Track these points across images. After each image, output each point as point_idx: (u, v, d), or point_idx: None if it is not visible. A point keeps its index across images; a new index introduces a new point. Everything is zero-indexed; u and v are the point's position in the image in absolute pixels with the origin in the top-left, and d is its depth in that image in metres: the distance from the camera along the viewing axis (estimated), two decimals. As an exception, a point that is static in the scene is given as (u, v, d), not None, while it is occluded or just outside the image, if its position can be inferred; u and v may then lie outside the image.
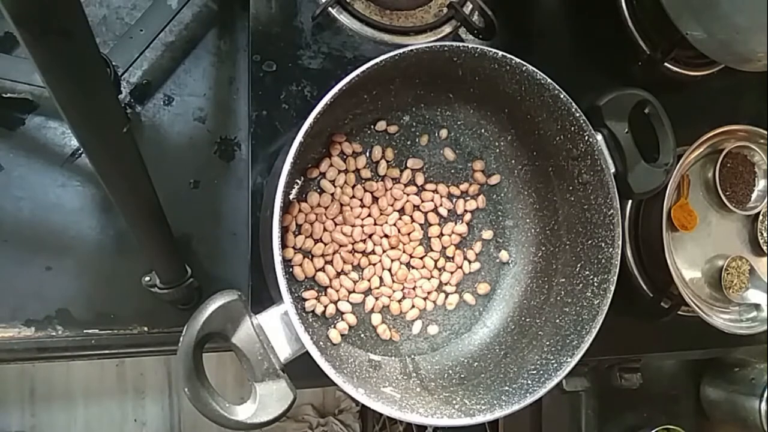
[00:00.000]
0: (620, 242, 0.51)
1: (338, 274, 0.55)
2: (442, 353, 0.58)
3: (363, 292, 0.56)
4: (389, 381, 0.53)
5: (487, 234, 0.60)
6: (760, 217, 0.71)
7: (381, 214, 0.57)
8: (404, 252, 0.57)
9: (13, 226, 0.56)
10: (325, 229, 0.55)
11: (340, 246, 0.55)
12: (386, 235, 0.57)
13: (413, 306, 0.57)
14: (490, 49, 0.47)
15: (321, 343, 0.53)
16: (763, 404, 0.75)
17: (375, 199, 0.57)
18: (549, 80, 0.49)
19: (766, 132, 0.68)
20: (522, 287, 0.59)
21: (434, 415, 0.46)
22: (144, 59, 0.59)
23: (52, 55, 0.28)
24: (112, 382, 1.29)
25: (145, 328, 0.59)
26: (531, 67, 0.48)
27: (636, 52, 0.70)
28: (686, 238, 0.68)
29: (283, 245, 0.53)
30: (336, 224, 0.55)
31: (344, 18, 0.59)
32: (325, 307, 0.54)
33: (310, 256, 0.55)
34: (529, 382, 0.49)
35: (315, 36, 0.59)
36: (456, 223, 0.59)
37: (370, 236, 0.56)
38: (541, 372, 0.49)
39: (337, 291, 0.55)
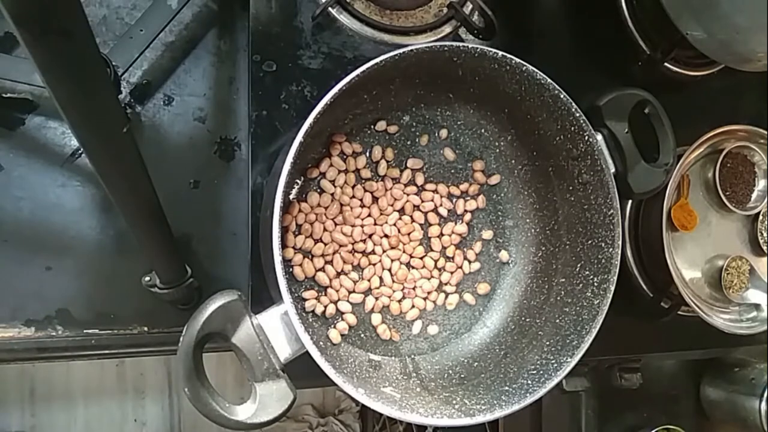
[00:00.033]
0: (620, 242, 0.51)
1: (338, 274, 0.55)
2: (442, 353, 0.58)
3: (363, 292, 0.56)
4: (389, 381, 0.53)
5: (487, 234, 0.60)
6: (760, 217, 0.71)
7: (381, 214, 0.57)
8: (404, 252, 0.57)
9: (13, 226, 0.56)
10: (325, 229, 0.55)
11: (340, 246, 0.55)
12: (386, 235, 0.57)
13: (413, 306, 0.57)
14: (490, 49, 0.47)
15: (321, 343, 0.53)
16: (763, 404, 0.75)
17: (375, 199, 0.57)
18: (549, 80, 0.49)
19: (766, 132, 0.68)
20: (522, 287, 0.59)
21: (434, 415, 0.46)
22: (144, 59, 0.59)
23: (52, 55, 0.28)
24: (112, 382, 1.29)
25: (145, 328, 0.59)
26: (531, 67, 0.48)
27: (636, 52, 0.70)
28: (686, 238, 0.68)
29: (283, 245, 0.53)
30: (336, 224, 0.55)
31: (344, 18, 0.59)
32: (325, 307, 0.54)
33: (310, 256, 0.55)
34: (529, 382, 0.49)
35: (315, 36, 0.59)
36: (456, 223, 0.59)
37: (370, 236, 0.56)
38: (541, 372, 0.49)
39: (337, 291, 0.55)
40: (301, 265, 0.54)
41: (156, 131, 0.60)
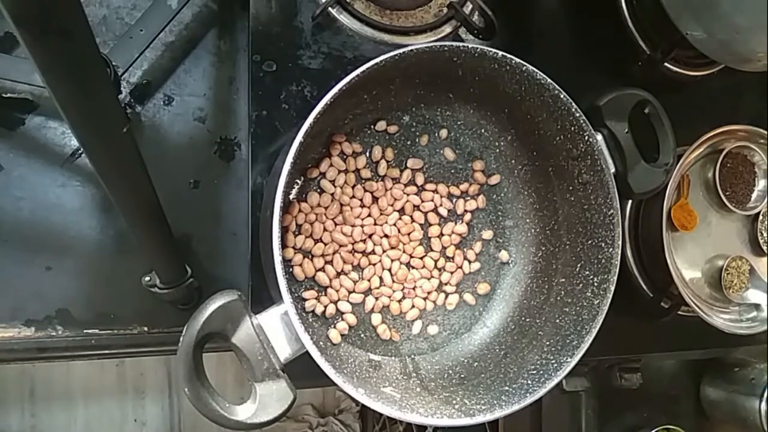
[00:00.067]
0: (620, 242, 0.51)
1: (338, 274, 0.55)
2: (442, 353, 0.58)
3: (363, 292, 0.56)
4: (389, 381, 0.53)
5: (487, 234, 0.60)
6: (760, 217, 0.71)
7: (381, 214, 0.57)
8: (404, 252, 0.57)
9: (13, 226, 0.56)
10: (325, 229, 0.55)
11: (340, 246, 0.55)
12: (386, 235, 0.57)
13: (413, 306, 0.57)
14: (490, 49, 0.47)
15: (321, 343, 0.53)
16: (763, 404, 0.75)
17: (375, 199, 0.57)
18: (549, 80, 0.49)
19: (766, 132, 0.68)
20: (522, 287, 0.59)
21: (434, 415, 0.46)
22: (144, 59, 0.59)
23: (52, 55, 0.28)
24: (112, 382, 1.29)
25: (145, 328, 0.59)
26: (531, 67, 0.48)
27: (636, 52, 0.70)
28: (686, 238, 0.68)
29: (283, 245, 0.53)
30: (336, 224, 0.55)
31: (344, 18, 0.59)
32: (325, 307, 0.54)
33: (310, 256, 0.55)
34: (529, 382, 0.49)
35: (315, 36, 0.59)
36: (456, 223, 0.59)
37: (370, 236, 0.56)
38: (541, 372, 0.49)
39: (337, 291, 0.55)
40: (301, 265, 0.54)
41: (156, 131, 0.60)
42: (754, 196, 0.70)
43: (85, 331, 0.57)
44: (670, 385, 0.81)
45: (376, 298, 0.56)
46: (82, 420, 1.27)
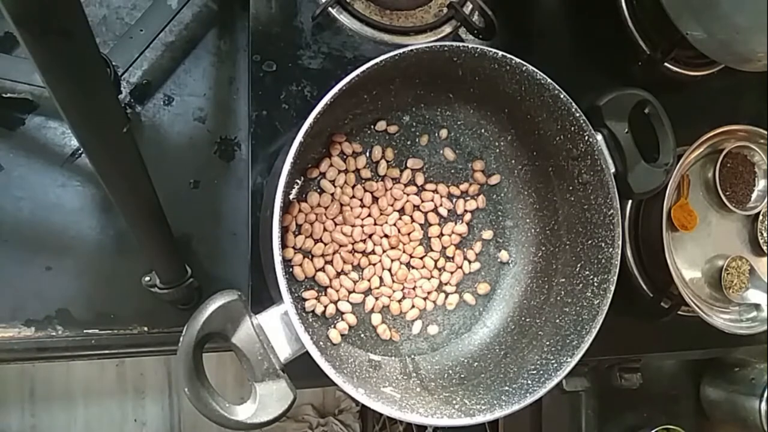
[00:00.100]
0: (620, 242, 0.51)
1: (338, 274, 0.55)
2: (442, 353, 0.58)
3: (363, 292, 0.56)
4: (389, 381, 0.53)
5: (487, 234, 0.60)
6: (760, 217, 0.71)
7: (381, 214, 0.57)
8: (404, 252, 0.57)
9: (13, 226, 0.56)
10: (325, 229, 0.55)
11: (340, 246, 0.55)
12: (386, 235, 0.57)
13: (413, 306, 0.57)
14: (490, 49, 0.47)
15: (321, 343, 0.53)
16: (763, 404, 0.75)
17: (375, 199, 0.57)
18: (549, 80, 0.49)
19: (766, 132, 0.68)
20: (522, 287, 0.59)
21: (434, 415, 0.46)
22: (144, 59, 0.59)
23: (52, 55, 0.28)
24: (112, 382, 1.29)
25: (145, 328, 0.59)
26: (531, 67, 0.48)
27: (636, 52, 0.70)
28: (686, 238, 0.68)
29: (283, 245, 0.53)
30: (336, 224, 0.55)
31: (344, 18, 0.59)
32: (325, 307, 0.54)
33: (310, 256, 0.55)
34: (529, 382, 0.49)
35: (315, 36, 0.59)
36: (456, 223, 0.59)
37: (370, 236, 0.56)
38: (541, 372, 0.49)
39: (337, 291, 0.55)
40: (301, 265, 0.54)
41: (156, 131, 0.60)
42: (754, 196, 0.70)
43: (85, 331, 0.57)
44: (670, 385, 0.81)
45: (376, 298, 0.56)
46: (82, 420, 1.27)
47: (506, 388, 0.50)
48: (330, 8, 0.58)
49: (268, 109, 0.57)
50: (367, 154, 0.57)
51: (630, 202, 0.66)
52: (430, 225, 0.59)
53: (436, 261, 0.58)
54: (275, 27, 0.58)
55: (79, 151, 0.58)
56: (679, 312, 0.65)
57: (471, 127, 0.59)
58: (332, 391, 1.38)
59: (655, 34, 0.69)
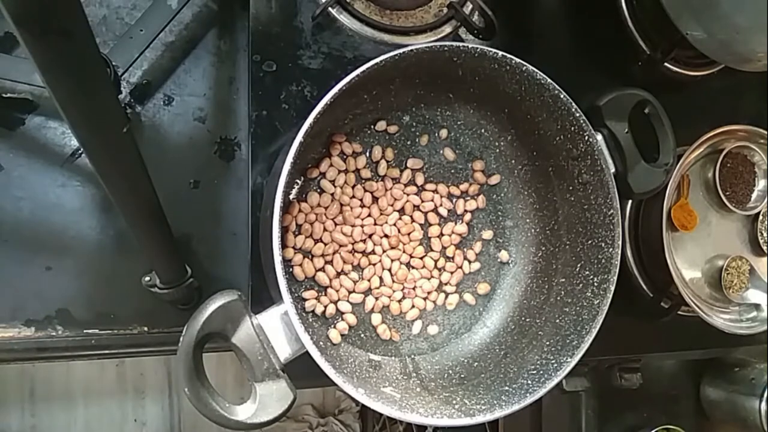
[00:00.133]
0: (620, 242, 0.51)
1: (338, 274, 0.55)
2: (442, 353, 0.58)
3: (363, 292, 0.56)
4: (389, 381, 0.53)
5: (487, 234, 0.60)
6: (760, 217, 0.71)
7: (381, 214, 0.57)
8: (404, 252, 0.57)
9: (13, 226, 0.56)
10: (325, 229, 0.55)
11: (340, 246, 0.55)
12: (386, 235, 0.57)
13: (413, 306, 0.57)
14: (490, 49, 0.47)
15: (321, 343, 0.53)
16: (763, 404, 0.75)
17: (375, 199, 0.57)
18: (549, 80, 0.49)
19: (766, 132, 0.68)
20: (522, 287, 0.59)
21: (434, 415, 0.46)
22: (144, 59, 0.59)
23: (52, 55, 0.28)
24: (112, 382, 1.29)
25: (145, 328, 0.59)
26: (531, 67, 0.48)
27: (636, 52, 0.70)
28: (686, 238, 0.68)
29: (283, 245, 0.53)
30: (336, 224, 0.55)
31: (344, 18, 0.59)
32: (325, 307, 0.54)
33: (310, 256, 0.55)
34: (529, 382, 0.49)
35: (315, 36, 0.59)
36: (456, 223, 0.59)
37: (370, 236, 0.56)
38: (541, 372, 0.49)
39: (337, 291, 0.55)
40: (301, 265, 0.54)
41: (156, 131, 0.60)
42: (754, 196, 0.70)
43: (85, 331, 0.57)
44: (670, 385, 0.81)
45: (376, 298, 0.56)
46: (82, 420, 1.27)
47: (506, 388, 0.50)
48: (330, 8, 0.58)
49: (268, 109, 0.57)
50: (367, 154, 0.57)
51: (630, 202, 0.66)
52: (430, 225, 0.59)
53: (436, 261, 0.58)
54: (275, 27, 0.58)
55: (79, 151, 0.58)
56: (679, 312, 0.65)
57: (471, 127, 0.59)
58: (332, 391, 1.38)
59: (655, 34, 0.69)
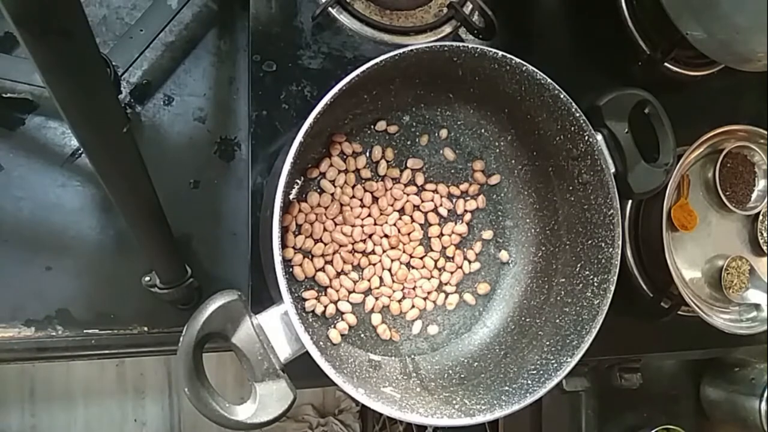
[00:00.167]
0: (620, 242, 0.51)
1: (338, 274, 0.55)
2: (442, 353, 0.58)
3: (363, 292, 0.56)
4: (389, 381, 0.53)
5: (487, 234, 0.60)
6: (760, 217, 0.71)
7: (381, 214, 0.57)
8: (404, 252, 0.57)
9: (13, 226, 0.56)
10: (325, 229, 0.55)
11: (340, 246, 0.55)
12: (386, 235, 0.57)
13: (413, 306, 0.57)
14: (490, 49, 0.47)
15: (321, 343, 0.53)
16: (763, 404, 0.75)
17: (375, 199, 0.57)
18: (549, 80, 0.49)
19: (766, 132, 0.68)
20: (522, 287, 0.59)
21: (434, 415, 0.46)
22: (144, 59, 0.59)
23: (52, 55, 0.28)
24: (112, 382, 1.29)
25: (145, 328, 0.59)
26: (531, 67, 0.48)
27: (636, 52, 0.70)
28: (686, 238, 0.68)
29: (283, 245, 0.53)
30: (336, 224, 0.55)
31: (344, 18, 0.59)
32: (325, 307, 0.54)
33: (310, 256, 0.55)
34: (529, 382, 0.49)
35: (315, 36, 0.59)
36: (456, 223, 0.59)
37: (370, 236, 0.56)
38: (541, 372, 0.49)
39: (337, 291, 0.55)
40: (301, 265, 0.54)
41: (156, 131, 0.60)
42: (754, 196, 0.70)
43: (85, 331, 0.57)
44: (670, 385, 0.81)
45: (376, 298, 0.56)
46: (82, 420, 1.27)
47: (506, 388, 0.50)
48: (330, 8, 0.58)
49: (268, 109, 0.57)
50: (367, 154, 0.57)
51: (630, 202, 0.66)
52: (430, 225, 0.59)
53: (436, 261, 0.58)
54: (275, 27, 0.58)
55: (79, 151, 0.58)
56: (679, 312, 0.65)
57: (471, 127, 0.59)
58: (332, 391, 1.38)
59: (655, 34, 0.69)
